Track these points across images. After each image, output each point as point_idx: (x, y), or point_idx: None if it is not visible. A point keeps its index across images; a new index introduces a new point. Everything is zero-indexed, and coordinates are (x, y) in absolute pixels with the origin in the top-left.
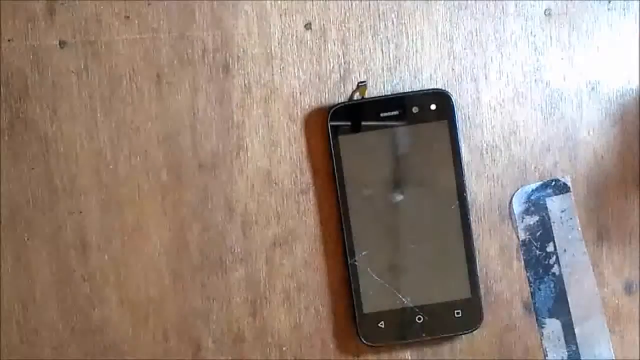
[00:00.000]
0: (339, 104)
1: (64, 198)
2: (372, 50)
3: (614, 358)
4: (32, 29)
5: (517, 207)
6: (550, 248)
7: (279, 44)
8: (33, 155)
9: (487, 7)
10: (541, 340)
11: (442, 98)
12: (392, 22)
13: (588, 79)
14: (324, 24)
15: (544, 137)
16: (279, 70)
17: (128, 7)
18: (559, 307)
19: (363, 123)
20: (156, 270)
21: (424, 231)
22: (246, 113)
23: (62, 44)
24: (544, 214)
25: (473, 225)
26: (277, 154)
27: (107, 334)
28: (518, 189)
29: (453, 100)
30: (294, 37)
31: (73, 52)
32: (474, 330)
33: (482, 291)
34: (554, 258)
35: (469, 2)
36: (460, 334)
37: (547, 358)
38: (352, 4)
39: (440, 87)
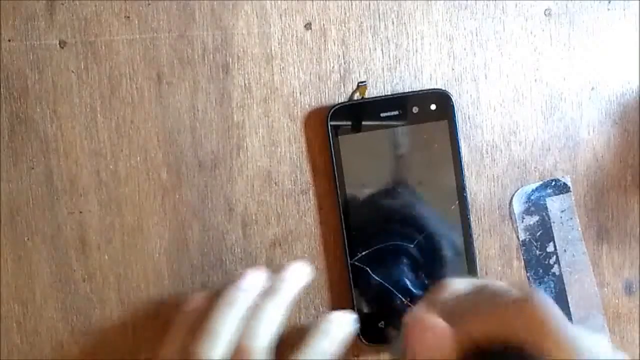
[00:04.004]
0: (339, 104)
1: (64, 198)
2: (372, 50)
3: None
4: (32, 29)
5: (517, 207)
6: (550, 248)
7: (279, 44)
8: (33, 155)
9: (487, 7)
10: None
11: (442, 98)
12: (392, 22)
13: (588, 79)
14: (324, 24)
15: (544, 137)
16: (279, 70)
17: (128, 7)
18: (559, 307)
19: (363, 123)
20: (156, 270)
21: (424, 231)
22: (246, 113)
23: (62, 44)
24: (544, 214)
25: (473, 225)
26: (277, 154)
27: (107, 334)
28: (518, 189)
29: (453, 100)
30: (294, 37)
31: (73, 52)
32: None
33: None
34: (554, 258)
35: (469, 2)
36: None
37: None
38: (352, 4)
39: (440, 87)
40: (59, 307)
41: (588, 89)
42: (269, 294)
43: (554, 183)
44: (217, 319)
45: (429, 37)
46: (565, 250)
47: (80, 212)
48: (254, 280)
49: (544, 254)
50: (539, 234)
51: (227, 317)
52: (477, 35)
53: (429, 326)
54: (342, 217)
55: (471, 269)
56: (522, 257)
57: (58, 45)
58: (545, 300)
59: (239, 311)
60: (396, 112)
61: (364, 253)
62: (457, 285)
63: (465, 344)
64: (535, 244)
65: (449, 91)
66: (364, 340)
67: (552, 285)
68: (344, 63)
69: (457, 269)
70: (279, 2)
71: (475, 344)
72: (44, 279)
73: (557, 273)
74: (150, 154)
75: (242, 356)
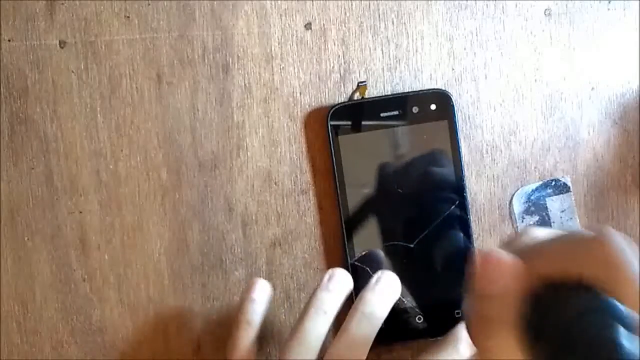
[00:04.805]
0: (339, 103)
1: (64, 198)
2: (372, 50)
3: None
4: (32, 29)
5: (517, 207)
6: None
7: (279, 44)
8: (33, 155)
9: (487, 7)
10: None
11: (442, 98)
12: (392, 22)
13: (588, 79)
14: (324, 24)
15: (544, 137)
16: (279, 70)
17: (128, 7)
18: None
19: (363, 123)
20: (156, 270)
21: (424, 231)
22: (246, 113)
23: (62, 44)
24: (544, 214)
25: (473, 225)
26: (277, 154)
27: (107, 334)
28: (518, 189)
29: (453, 100)
30: (294, 37)
31: (73, 52)
32: None
33: None
34: None
35: (469, 2)
36: None
37: None
38: (352, 4)
39: (440, 87)
40: (59, 307)
41: (588, 89)
42: (367, 314)
43: (554, 183)
44: (309, 327)
45: (429, 37)
46: None
47: (80, 212)
48: (346, 281)
49: None
50: None
51: (320, 325)
52: (477, 35)
53: (498, 258)
54: (342, 217)
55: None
56: None
57: (58, 45)
58: (622, 242)
59: (332, 317)
60: (396, 112)
61: (364, 253)
62: (538, 232)
63: (535, 279)
64: None
65: (449, 91)
66: None
67: None
68: (344, 63)
69: (457, 269)
70: (279, 2)
71: (545, 280)
72: (44, 279)
73: None
74: (150, 154)
75: None
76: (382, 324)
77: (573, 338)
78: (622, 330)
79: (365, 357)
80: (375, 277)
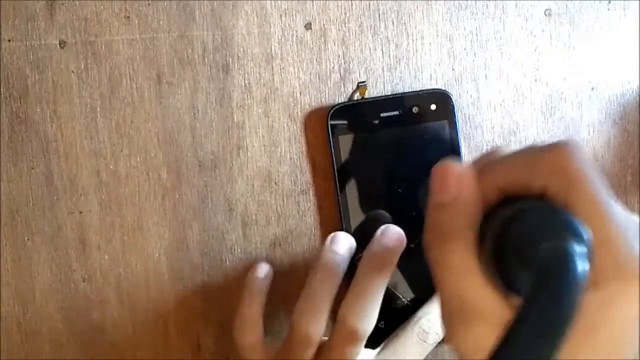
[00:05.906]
0: (339, 104)
1: (64, 198)
2: (372, 50)
3: None
4: (32, 29)
5: None
6: None
7: (279, 44)
8: (33, 155)
9: (487, 7)
10: None
11: (442, 98)
12: (392, 22)
13: (588, 79)
14: (324, 24)
15: (544, 137)
16: (279, 70)
17: (128, 7)
18: None
19: (363, 123)
20: (156, 270)
21: (424, 231)
22: (246, 113)
23: (62, 44)
24: None
25: None
26: (277, 154)
27: (107, 334)
28: None
29: (453, 100)
30: (294, 37)
31: (73, 52)
32: None
33: None
34: None
35: (469, 2)
36: None
37: None
38: (352, 4)
39: (440, 87)
40: (59, 307)
41: (588, 89)
42: (374, 266)
43: None
44: (319, 289)
45: (429, 37)
46: None
47: (80, 212)
48: (348, 242)
49: None
50: None
51: (328, 285)
52: (477, 35)
53: (450, 167)
54: (342, 217)
55: None
56: None
57: (58, 45)
58: (582, 152)
59: (340, 278)
60: (396, 112)
61: (364, 253)
62: (506, 149)
63: (492, 191)
64: None
65: (449, 91)
66: None
67: None
68: (344, 63)
69: None
70: (279, 2)
71: (503, 191)
72: (44, 279)
73: None
74: (150, 154)
75: (351, 339)
76: (382, 324)
77: (524, 248)
78: (577, 247)
79: (377, 311)
80: (379, 230)
